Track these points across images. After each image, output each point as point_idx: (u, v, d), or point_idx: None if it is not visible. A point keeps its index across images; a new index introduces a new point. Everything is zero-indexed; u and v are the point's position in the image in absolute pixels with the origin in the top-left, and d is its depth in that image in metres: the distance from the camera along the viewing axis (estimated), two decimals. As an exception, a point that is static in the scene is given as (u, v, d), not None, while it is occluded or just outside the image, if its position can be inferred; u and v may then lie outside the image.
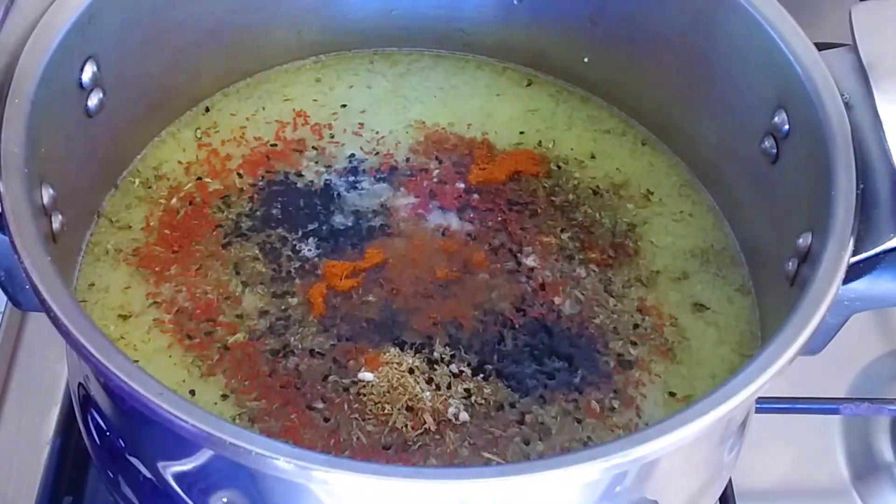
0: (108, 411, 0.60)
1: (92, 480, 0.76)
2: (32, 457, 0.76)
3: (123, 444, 0.60)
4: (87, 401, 0.63)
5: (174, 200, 0.71)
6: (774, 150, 0.67)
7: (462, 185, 0.73)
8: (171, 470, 0.57)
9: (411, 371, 0.63)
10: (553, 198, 0.73)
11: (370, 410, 0.62)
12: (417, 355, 0.64)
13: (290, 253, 0.69)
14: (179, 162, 0.73)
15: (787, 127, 0.65)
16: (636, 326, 0.67)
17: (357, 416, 0.61)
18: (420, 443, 0.61)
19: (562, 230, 0.71)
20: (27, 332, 0.83)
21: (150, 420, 0.49)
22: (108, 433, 0.61)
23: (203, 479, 0.56)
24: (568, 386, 0.64)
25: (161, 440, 0.56)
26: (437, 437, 0.61)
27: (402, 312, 0.66)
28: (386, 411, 0.62)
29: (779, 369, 0.53)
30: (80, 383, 0.64)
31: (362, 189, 0.72)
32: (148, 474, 0.58)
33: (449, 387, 0.63)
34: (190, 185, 0.72)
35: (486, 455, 0.60)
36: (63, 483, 0.76)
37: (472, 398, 0.63)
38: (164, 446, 0.57)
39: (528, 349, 0.65)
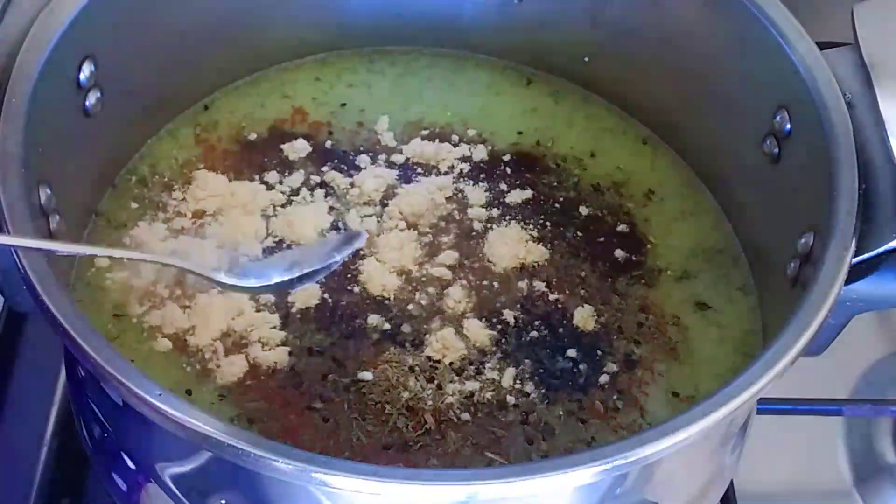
0: (106, 412, 0.60)
1: (90, 482, 0.76)
2: (30, 458, 0.76)
3: (121, 446, 0.60)
4: (84, 402, 0.62)
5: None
6: (776, 150, 0.66)
7: (461, 183, 0.73)
8: (170, 471, 0.56)
9: (412, 369, 0.63)
10: (554, 195, 0.73)
11: (370, 410, 0.61)
12: (418, 353, 0.64)
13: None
14: (176, 159, 0.73)
15: (788, 126, 0.65)
16: (640, 325, 0.67)
17: (357, 415, 0.61)
18: (421, 443, 0.60)
19: (564, 227, 0.71)
20: (25, 333, 0.83)
21: (148, 421, 0.49)
22: (105, 434, 0.61)
23: (201, 480, 0.55)
24: (572, 385, 0.64)
25: (159, 442, 0.56)
26: (439, 436, 0.61)
27: (402, 310, 0.66)
28: (386, 411, 0.61)
29: (781, 370, 0.52)
30: (77, 384, 0.64)
31: (361, 186, 0.72)
32: (146, 476, 0.58)
33: (450, 385, 0.63)
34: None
35: (489, 455, 0.60)
36: (61, 484, 0.76)
37: (475, 397, 0.62)
38: (162, 448, 0.57)
39: (531, 348, 0.65)
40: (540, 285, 0.68)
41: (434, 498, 0.49)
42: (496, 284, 0.68)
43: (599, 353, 0.65)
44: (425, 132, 0.76)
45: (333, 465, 0.48)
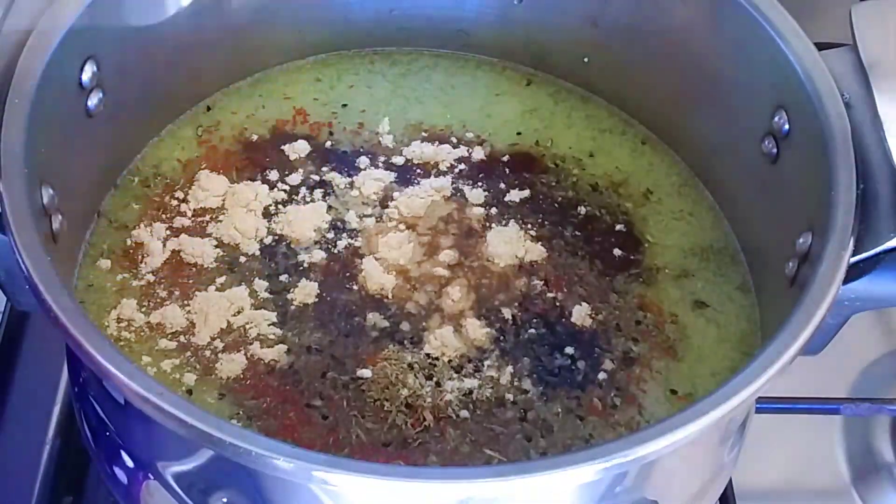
0: (108, 411, 0.60)
1: (92, 480, 0.76)
2: (33, 456, 0.76)
3: (123, 444, 0.60)
4: (86, 401, 0.63)
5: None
6: (774, 150, 0.67)
7: (460, 183, 0.73)
8: (171, 470, 0.57)
9: (411, 367, 0.63)
10: (553, 194, 0.73)
11: (369, 407, 0.62)
12: (417, 351, 0.64)
13: (286, 250, 0.69)
14: (178, 160, 0.73)
15: (787, 127, 0.65)
16: (638, 323, 0.67)
17: (356, 413, 0.61)
18: (420, 440, 0.61)
19: (562, 226, 0.71)
20: (28, 332, 0.83)
21: (150, 420, 0.49)
22: (107, 433, 0.61)
23: (203, 478, 0.56)
24: (570, 383, 0.64)
25: (160, 440, 0.57)
26: (437, 434, 0.61)
27: (401, 308, 0.66)
28: (385, 408, 0.61)
29: (779, 369, 0.53)
30: (79, 383, 0.64)
31: (360, 187, 0.72)
32: (147, 474, 0.58)
33: (449, 383, 0.63)
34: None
35: (488, 452, 0.60)
36: (63, 483, 0.76)
37: (473, 394, 0.63)
38: (163, 446, 0.57)
39: (530, 345, 0.65)
40: (538, 284, 0.68)
41: (434, 496, 0.49)
42: (495, 283, 0.68)
43: (597, 350, 0.66)
44: (425, 133, 0.76)
45: (333, 463, 0.48)
